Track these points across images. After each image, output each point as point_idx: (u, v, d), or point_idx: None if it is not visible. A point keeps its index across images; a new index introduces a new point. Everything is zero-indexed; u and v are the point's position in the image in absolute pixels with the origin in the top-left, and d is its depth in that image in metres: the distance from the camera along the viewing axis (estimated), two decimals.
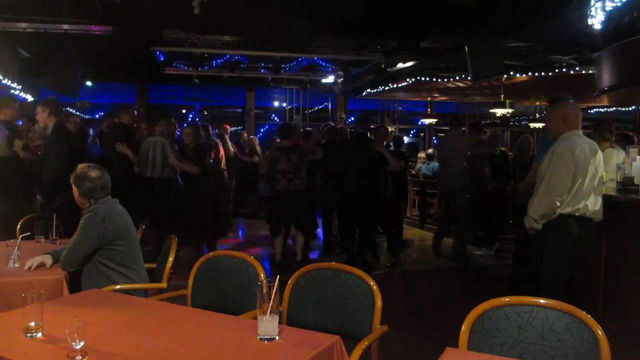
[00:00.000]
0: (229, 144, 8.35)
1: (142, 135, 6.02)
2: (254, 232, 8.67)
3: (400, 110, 14.00)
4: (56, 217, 3.67)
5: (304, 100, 12.91)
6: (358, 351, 2.06)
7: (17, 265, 2.95)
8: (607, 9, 4.97)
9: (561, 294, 3.25)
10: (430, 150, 11.11)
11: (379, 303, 2.32)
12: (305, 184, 6.07)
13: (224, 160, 7.48)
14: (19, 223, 3.99)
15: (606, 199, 3.65)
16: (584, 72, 8.14)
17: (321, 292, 2.47)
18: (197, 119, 12.24)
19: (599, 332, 1.77)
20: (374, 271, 5.86)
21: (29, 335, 1.90)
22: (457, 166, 6.80)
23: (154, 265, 3.49)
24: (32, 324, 1.91)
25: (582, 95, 9.07)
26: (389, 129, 8.56)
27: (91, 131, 7.14)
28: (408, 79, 9.68)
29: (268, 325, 1.89)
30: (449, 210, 7.16)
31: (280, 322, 1.93)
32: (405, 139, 15.40)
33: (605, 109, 12.84)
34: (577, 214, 3.38)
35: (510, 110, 10.14)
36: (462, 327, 1.94)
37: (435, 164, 9.45)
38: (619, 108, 12.47)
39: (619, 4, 4.89)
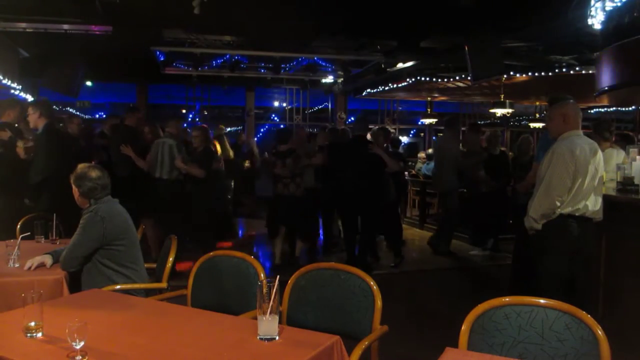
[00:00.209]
0: (227, 145, 8.35)
1: (145, 137, 6.02)
2: (251, 232, 8.70)
3: (400, 110, 14.01)
4: (48, 218, 3.69)
5: (304, 100, 12.91)
6: (358, 351, 2.06)
7: (17, 265, 2.95)
8: (607, 9, 4.98)
9: (561, 294, 3.25)
10: (430, 150, 11.10)
11: (379, 303, 2.32)
12: (301, 189, 6.05)
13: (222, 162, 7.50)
14: (19, 223, 3.99)
15: (606, 199, 3.65)
16: (584, 72, 8.14)
17: (321, 292, 2.47)
18: (197, 119, 12.24)
19: (599, 332, 1.77)
20: (374, 271, 5.87)
21: (29, 335, 1.90)
22: (450, 167, 6.88)
23: (154, 265, 3.50)
24: (32, 324, 1.91)
25: (582, 95, 9.07)
26: (390, 130, 8.58)
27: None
28: (408, 79, 9.68)
29: (268, 325, 1.89)
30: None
31: (280, 322, 1.93)
32: (405, 139, 15.41)
33: (605, 109, 12.85)
34: (577, 214, 3.38)
35: (510, 110, 10.14)
36: (462, 327, 1.94)
37: None
38: (619, 108, 12.47)
39: (619, 4, 4.89)
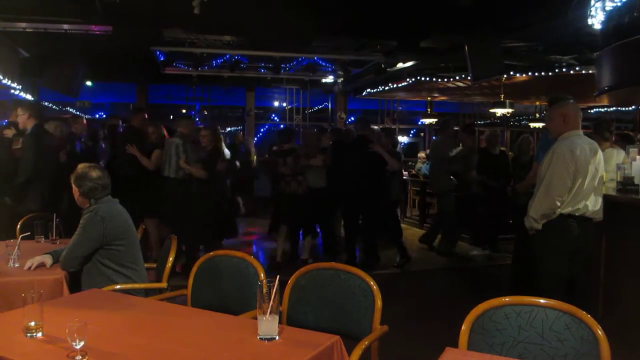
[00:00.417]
0: (223, 145, 8.35)
1: (150, 137, 6.03)
2: (248, 230, 8.71)
3: (400, 110, 14.00)
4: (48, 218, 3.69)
5: (304, 100, 12.91)
6: (358, 351, 2.06)
7: (17, 265, 2.96)
8: (607, 9, 4.97)
9: (561, 294, 3.25)
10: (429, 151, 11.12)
11: (379, 303, 2.32)
12: (303, 187, 6.12)
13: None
14: (19, 223, 3.99)
15: (606, 199, 3.65)
16: (584, 72, 8.14)
17: (321, 292, 2.47)
18: (197, 119, 12.24)
19: (599, 332, 1.77)
20: (374, 271, 5.87)
21: (29, 335, 1.90)
22: (443, 168, 6.96)
23: (154, 265, 3.50)
24: (32, 324, 1.91)
25: (582, 95, 9.07)
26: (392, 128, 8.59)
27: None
28: (408, 79, 9.68)
29: (268, 325, 1.89)
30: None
31: (280, 322, 1.93)
32: (405, 139, 15.41)
33: (605, 109, 12.84)
34: (577, 214, 3.38)
35: (510, 110, 10.14)
36: (462, 327, 1.94)
37: None
38: (619, 108, 12.46)
39: (619, 4, 4.89)
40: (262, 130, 13.38)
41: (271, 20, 6.62)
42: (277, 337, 1.90)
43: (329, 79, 10.03)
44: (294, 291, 2.52)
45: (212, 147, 6.02)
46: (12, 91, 7.56)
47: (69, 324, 1.73)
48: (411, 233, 8.76)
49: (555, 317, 1.86)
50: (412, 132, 16.50)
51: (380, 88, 10.86)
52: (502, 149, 8.24)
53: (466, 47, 6.80)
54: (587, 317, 1.81)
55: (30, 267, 2.90)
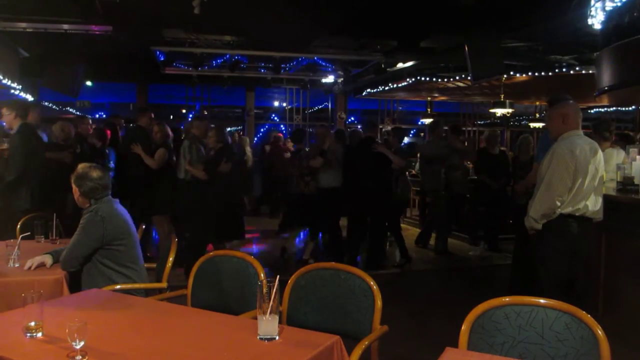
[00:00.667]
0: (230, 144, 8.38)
1: (155, 137, 6.05)
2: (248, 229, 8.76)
3: (400, 110, 14.00)
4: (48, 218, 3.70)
5: (304, 100, 12.91)
6: (358, 351, 2.06)
7: (17, 265, 2.95)
8: (607, 9, 4.98)
9: (561, 294, 3.25)
10: None
11: (379, 303, 2.32)
12: (310, 187, 6.20)
13: None
14: (19, 223, 3.99)
15: (606, 198, 3.65)
16: (584, 72, 8.15)
17: (321, 292, 2.47)
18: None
19: (599, 332, 1.77)
20: (377, 271, 5.88)
21: (29, 335, 1.90)
22: (431, 167, 7.01)
23: (154, 265, 3.50)
24: (32, 324, 1.91)
25: (582, 95, 9.08)
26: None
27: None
28: (408, 79, 9.68)
29: (268, 325, 1.89)
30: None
31: (280, 322, 1.93)
32: (405, 139, 15.41)
33: (605, 109, 12.85)
34: (577, 214, 3.38)
35: (510, 110, 10.14)
36: (462, 327, 1.94)
37: None
38: (619, 108, 12.47)
39: (619, 4, 4.89)
40: (262, 130, 13.39)
41: (271, 20, 6.62)
42: (277, 337, 1.90)
43: (329, 79, 10.03)
44: (294, 291, 2.52)
45: (219, 147, 6.00)
46: (12, 91, 7.56)
47: (69, 324, 1.73)
48: (411, 233, 8.75)
49: (555, 317, 1.86)
50: (412, 132, 16.51)
51: (380, 88, 10.86)
52: (502, 149, 8.25)
53: (466, 47, 6.80)
54: (587, 317, 1.81)
55: (30, 267, 2.90)
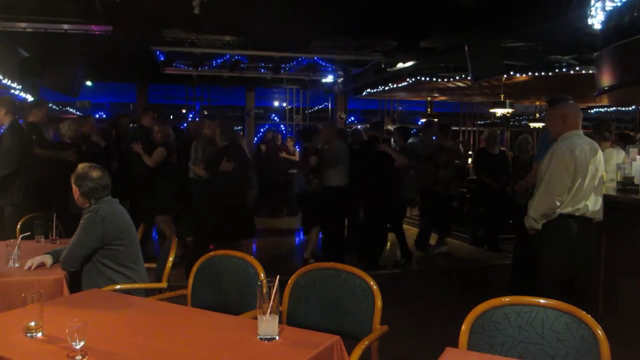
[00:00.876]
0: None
1: (155, 137, 6.06)
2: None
3: (400, 110, 14.00)
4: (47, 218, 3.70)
5: (304, 100, 12.91)
6: (358, 351, 2.06)
7: (17, 265, 2.95)
8: (607, 9, 4.97)
9: (561, 294, 3.25)
10: None
11: (379, 303, 2.32)
12: (314, 186, 6.32)
13: None
14: (19, 223, 3.99)
15: (606, 198, 3.65)
16: (584, 72, 8.15)
17: (321, 292, 2.47)
18: (197, 119, 12.24)
19: (599, 332, 1.77)
20: (375, 271, 5.88)
21: (29, 335, 1.90)
22: (422, 167, 7.04)
23: (154, 265, 3.50)
24: (32, 324, 1.91)
25: (582, 95, 9.07)
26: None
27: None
28: (408, 79, 9.68)
29: (268, 325, 1.89)
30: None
31: (280, 322, 1.93)
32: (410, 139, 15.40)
33: (605, 109, 12.84)
34: (577, 214, 3.38)
35: (510, 110, 10.14)
36: (462, 327, 1.94)
37: None
38: (619, 108, 12.47)
39: (619, 4, 4.89)
40: (262, 130, 13.39)
41: (271, 20, 6.61)
42: (277, 337, 1.90)
43: (329, 79, 10.03)
44: (294, 291, 2.52)
45: (223, 146, 5.99)
46: (12, 91, 7.56)
47: (69, 324, 1.73)
48: (412, 233, 8.74)
49: (555, 317, 1.86)
50: (412, 132, 16.50)
51: (380, 88, 10.86)
52: (502, 149, 8.25)
53: (466, 47, 6.80)
54: (587, 317, 1.81)
55: (30, 267, 2.90)
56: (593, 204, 3.41)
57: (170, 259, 3.21)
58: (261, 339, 1.89)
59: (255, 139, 12.45)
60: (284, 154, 10.17)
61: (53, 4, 5.78)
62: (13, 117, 4.95)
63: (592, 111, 13.06)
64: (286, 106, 12.90)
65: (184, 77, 9.95)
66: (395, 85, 10.29)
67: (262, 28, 7.15)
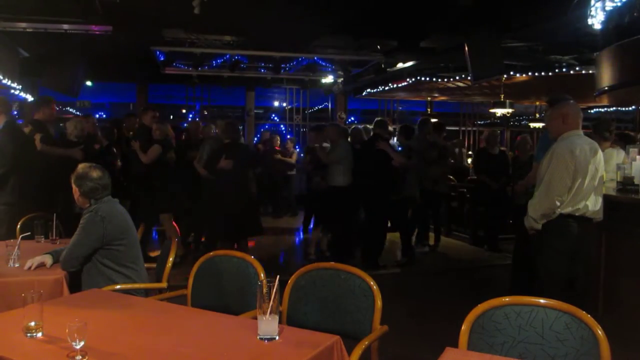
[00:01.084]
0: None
1: (154, 135, 6.07)
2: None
3: (400, 110, 14.01)
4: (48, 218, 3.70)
5: (304, 100, 12.91)
6: (358, 351, 2.06)
7: (17, 265, 2.95)
8: (607, 9, 4.98)
9: (561, 293, 3.25)
10: None
11: (379, 303, 2.32)
12: (315, 185, 6.48)
13: None
14: (19, 223, 3.99)
15: (606, 198, 3.65)
16: (584, 72, 8.15)
17: (321, 292, 2.47)
18: (197, 119, 12.25)
19: (599, 332, 1.77)
20: (375, 271, 5.87)
21: (29, 335, 1.90)
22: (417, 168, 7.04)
23: (154, 265, 3.50)
24: (32, 324, 1.91)
25: (582, 95, 9.08)
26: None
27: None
28: (408, 79, 9.68)
29: (268, 325, 1.89)
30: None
31: (280, 322, 1.93)
32: None
33: (605, 109, 12.85)
34: (577, 214, 3.38)
35: (510, 110, 10.15)
36: (462, 327, 1.94)
37: None
38: (619, 108, 12.47)
39: (619, 4, 4.89)
40: (262, 130, 13.40)
41: (271, 20, 6.62)
42: (277, 337, 1.90)
43: (329, 79, 10.03)
44: (294, 291, 2.52)
45: (224, 144, 6.00)
46: (12, 91, 7.56)
47: (69, 324, 1.73)
48: None
49: (555, 317, 1.86)
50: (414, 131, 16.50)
51: (380, 88, 10.86)
52: (502, 148, 8.24)
53: (466, 47, 6.80)
54: (587, 317, 1.81)
55: (30, 267, 2.90)
56: (593, 204, 3.41)
57: (170, 259, 3.21)
58: (261, 339, 1.89)
59: (255, 139, 12.45)
60: (278, 156, 10.16)
61: (53, 4, 5.78)
62: (8, 117, 4.95)
63: (592, 111, 13.06)
64: (286, 106, 12.91)
65: (184, 77, 9.95)
66: (395, 85, 10.30)
67: (262, 28, 7.15)
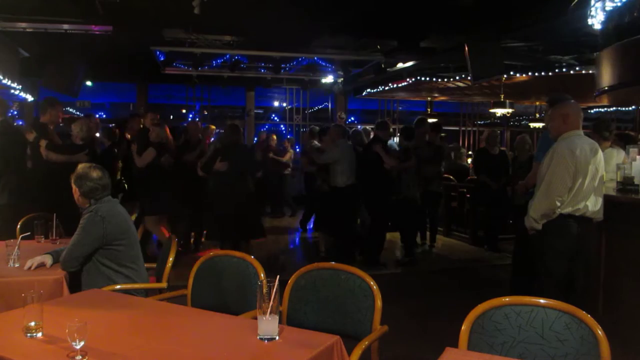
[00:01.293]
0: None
1: (150, 137, 6.05)
2: None
3: (400, 110, 14.01)
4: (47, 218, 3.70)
5: (304, 100, 12.91)
6: (358, 351, 2.06)
7: (17, 265, 2.95)
8: (607, 9, 4.97)
9: (561, 294, 3.25)
10: None
11: (379, 303, 2.32)
12: (315, 185, 6.51)
13: None
14: (19, 223, 3.99)
15: (606, 198, 3.65)
16: (584, 72, 8.14)
17: (321, 292, 2.47)
18: (197, 119, 12.25)
19: (599, 332, 1.77)
20: (375, 271, 5.88)
21: (29, 335, 1.90)
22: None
23: (154, 265, 3.50)
24: (32, 324, 1.91)
25: (582, 95, 9.06)
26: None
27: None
28: (408, 79, 9.68)
29: (268, 325, 1.89)
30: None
31: (280, 322, 1.93)
32: None
33: (605, 109, 12.84)
34: (577, 214, 3.38)
35: (510, 110, 10.15)
36: (462, 327, 1.94)
37: None
38: (619, 108, 12.46)
39: (619, 4, 4.88)
40: (262, 130, 13.40)
41: (271, 20, 6.61)
42: (277, 337, 1.90)
43: (329, 79, 10.03)
44: (294, 291, 2.52)
45: (221, 146, 6.03)
46: (12, 91, 7.56)
47: (69, 324, 1.73)
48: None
49: (555, 317, 1.86)
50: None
51: (380, 88, 10.86)
52: (502, 149, 8.24)
53: (466, 47, 6.80)
54: (587, 317, 1.81)
55: (30, 267, 2.90)
56: (593, 204, 3.41)
57: (171, 259, 3.21)
58: (261, 339, 1.89)
59: (255, 139, 12.45)
60: (271, 155, 10.15)
61: (53, 4, 5.78)
62: (2, 118, 4.94)
63: (592, 111, 13.06)
64: (286, 106, 12.91)
65: (184, 77, 9.95)
66: (395, 85, 10.29)
67: (262, 28, 7.15)
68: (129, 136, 6.51)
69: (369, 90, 11.40)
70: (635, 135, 7.05)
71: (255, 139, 12.48)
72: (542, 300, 1.90)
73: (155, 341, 1.93)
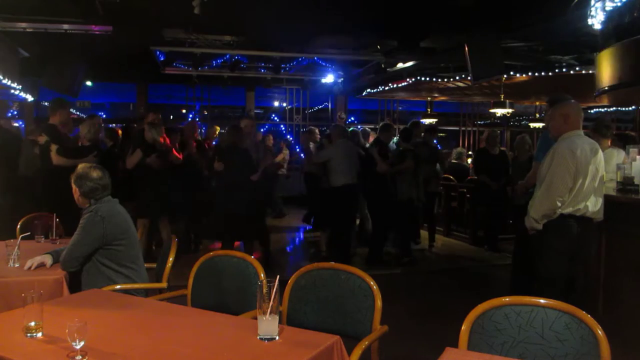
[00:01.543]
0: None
1: (145, 138, 6.04)
2: None
3: (400, 110, 14.01)
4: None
5: (304, 100, 12.91)
6: (358, 351, 2.06)
7: (17, 265, 2.95)
8: (607, 9, 4.97)
9: (561, 293, 3.25)
10: None
11: (379, 303, 2.32)
12: (318, 185, 6.55)
13: None
14: (19, 223, 3.99)
15: (606, 198, 3.65)
16: (584, 72, 8.14)
17: (321, 292, 2.47)
18: (197, 119, 12.26)
19: (599, 332, 1.77)
20: (374, 271, 5.88)
21: (29, 335, 1.90)
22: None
23: (154, 265, 3.50)
24: (32, 324, 1.91)
25: (582, 95, 9.05)
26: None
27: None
28: (408, 79, 9.68)
29: (268, 325, 1.89)
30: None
31: (280, 322, 1.93)
32: None
33: (605, 109, 12.84)
34: (577, 214, 3.38)
35: (510, 110, 10.13)
36: (462, 327, 1.94)
37: None
38: (619, 108, 12.46)
39: (619, 4, 4.88)
40: (262, 130, 13.39)
41: (271, 20, 6.62)
42: (277, 337, 1.90)
43: (329, 79, 10.03)
44: (294, 291, 2.52)
45: (220, 147, 6.09)
46: (12, 91, 7.56)
47: (69, 324, 1.73)
48: None
49: (555, 317, 1.86)
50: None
51: (380, 88, 10.86)
52: (502, 148, 8.24)
53: (466, 47, 6.80)
54: (587, 317, 1.81)
55: (30, 267, 2.90)
56: (593, 204, 3.41)
57: (171, 259, 3.21)
58: (261, 339, 1.89)
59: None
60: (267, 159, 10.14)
61: (53, 4, 5.78)
62: None
63: (592, 111, 13.05)
64: (286, 106, 12.91)
65: (184, 77, 9.95)
66: (395, 85, 10.29)
67: (262, 28, 7.15)
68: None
69: (369, 90, 11.39)
70: (635, 135, 7.05)
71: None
72: (542, 300, 1.90)
73: (155, 341, 1.93)
